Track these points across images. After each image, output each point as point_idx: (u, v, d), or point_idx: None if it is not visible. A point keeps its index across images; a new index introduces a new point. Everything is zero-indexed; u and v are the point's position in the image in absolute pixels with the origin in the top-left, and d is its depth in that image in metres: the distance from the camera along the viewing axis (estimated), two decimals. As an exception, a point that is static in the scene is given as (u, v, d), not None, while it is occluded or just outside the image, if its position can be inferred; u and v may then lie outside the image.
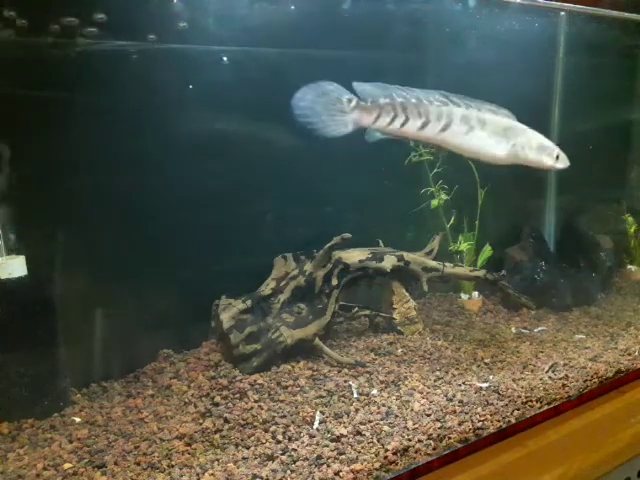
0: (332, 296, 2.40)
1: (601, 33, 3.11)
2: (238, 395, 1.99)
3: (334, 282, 2.42)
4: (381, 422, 1.82)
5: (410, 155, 2.72)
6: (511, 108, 2.02)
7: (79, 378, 2.10)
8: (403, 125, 1.75)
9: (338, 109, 1.68)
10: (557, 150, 1.86)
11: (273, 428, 1.79)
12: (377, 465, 1.63)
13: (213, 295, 2.32)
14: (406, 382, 2.08)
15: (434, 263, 2.62)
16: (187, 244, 2.29)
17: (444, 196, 2.81)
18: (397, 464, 1.66)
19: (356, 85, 1.72)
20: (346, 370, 2.19)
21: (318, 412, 1.87)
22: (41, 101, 1.94)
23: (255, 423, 1.83)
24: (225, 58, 2.27)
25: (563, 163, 1.88)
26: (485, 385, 2.06)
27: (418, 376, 2.13)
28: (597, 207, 3.60)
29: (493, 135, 1.81)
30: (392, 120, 1.74)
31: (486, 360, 2.29)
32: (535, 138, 1.85)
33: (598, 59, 3.30)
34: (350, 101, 1.69)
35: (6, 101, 1.86)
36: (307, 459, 1.63)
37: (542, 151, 1.84)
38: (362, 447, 1.69)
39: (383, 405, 1.93)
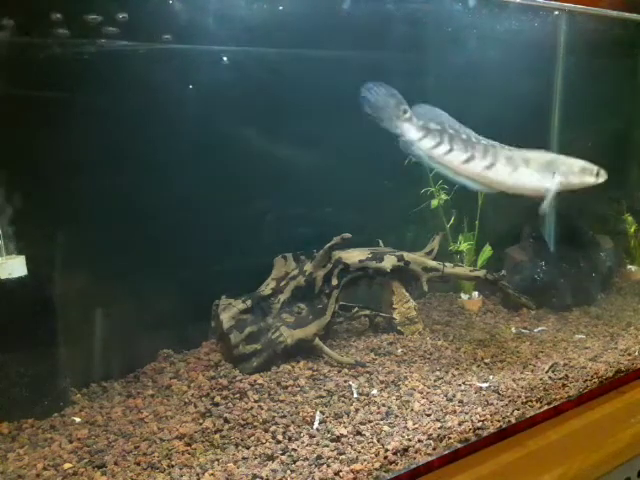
0: (332, 296, 2.40)
1: (601, 33, 3.11)
2: (238, 395, 1.99)
3: (334, 282, 2.42)
4: (381, 422, 1.82)
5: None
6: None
7: (79, 378, 2.10)
8: (447, 154, 1.87)
9: (394, 113, 1.85)
10: (596, 168, 2.00)
11: (273, 428, 1.79)
12: (377, 465, 1.63)
13: (213, 295, 2.32)
14: (406, 382, 2.09)
15: (434, 263, 2.62)
16: (187, 244, 2.29)
17: (444, 196, 2.81)
18: (397, 464, 1.66)
19: (416, 106, 1.88)
20: (346, 370, 2.19)
21: (318, 412, 1.87)
22: (40, 101, 1.94)
23: (255, 423, 1.83)
24: (213, 57, 2.27)
25: (603, 177, 2.02)
26: (485, 385, 2.06)
27: (418, 376, 2.13)
28: (597, 207, 3.60)
29: (538, 171, 1.93)
30: (437, 145, 1.86)
31: (486, 360, 2.29)
32: (575, 164, 1.98)
33: (598, 59, 3.30)
34: (405, 112, 1.85)
35: (5, 101, 1.86)
36: (307, 459, 1.63)
37: (584, 173, 1.97)
38: (362, 447, 1.69)
39: (383, 405, 1.93)
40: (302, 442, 1.72)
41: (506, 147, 1.95)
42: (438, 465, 1.74)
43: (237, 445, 1.74)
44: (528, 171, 1.94)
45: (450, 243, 2.92)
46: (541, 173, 1.95)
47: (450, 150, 1.88)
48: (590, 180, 2.00)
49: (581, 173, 1.98)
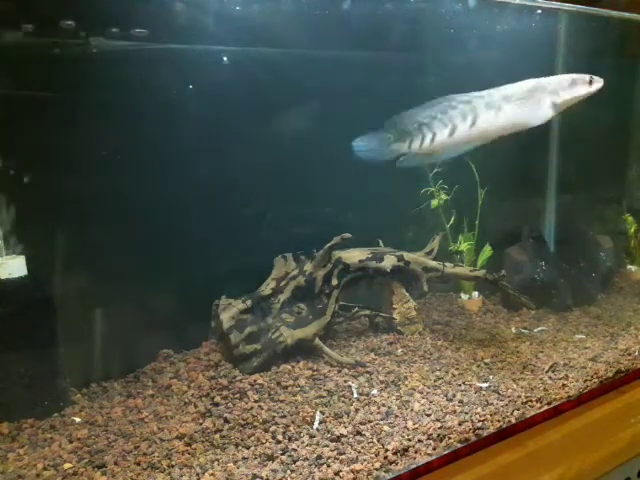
0: (332, 296, 2.40)
1: (601, 33, 3.12)
2: (238, 395, 1.99)
3: (334, 282, 2.42)
4: (381, 422, 1.82)
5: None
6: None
7: (79, 378, 2.09)
8: (433, 139, 1.94)
9: (382, 145, 2.03)
10: (588, 76, 1.92)
11: (273, 428, 1.79)
12: (377, 465, 1.63)
13: (213, 295, 2.32)
14: (406, 382, 2.08)
15: (434, 263, 2.62)
16: (187, 244, 2.29)
17: (444, 196, 2.81)
18: (397, 464, 1.66)
19: (386, 124, 2.02)
20: (346, 370, 2.19)
21: (318, 412, 1.87)
22: (40, 101, 1.94)
23: (255, 423, 1.83)
24: (213, 57, 2.27)
25: (598, 83, 1.94)
26: (485, 385, 2.06)
27: (418, 376, 2.13)
28: (597, 207, 3.60)
29: (523, 102, 1.88)
30: (422, 140, 1.95)
31: (486, 360, 2.29)
32: (563, 78, 1.91)
33: (597, 58, 3.30)
34: (389, 138, 2.01)
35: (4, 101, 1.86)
36: (307, 459, 1.63)
37: (575, 85, 1.90)
38: (362, 447, 1.69)
39: (383, 405, 1.93)
40: (302, 442, 1.72)
41: (482, 93, 1.91)
42: (438, 465, 1.74)
43: (237, 445, 1.74)
44: (512, 106, 1.89)
45: (450, 243, 2.92)
46: (528, 102, 1.89)
47: (434, 135, 1.93)
48: (583, 90, 1.92)
49: (572, 85, 1.90)
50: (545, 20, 3.00)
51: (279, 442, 1.73)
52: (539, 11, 2.87)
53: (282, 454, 1.66)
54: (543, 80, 1.94)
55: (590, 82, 1.92)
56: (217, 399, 1.96)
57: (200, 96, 2.25)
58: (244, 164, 2.34)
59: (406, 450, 1.70)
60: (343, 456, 1.64)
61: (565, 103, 1.94)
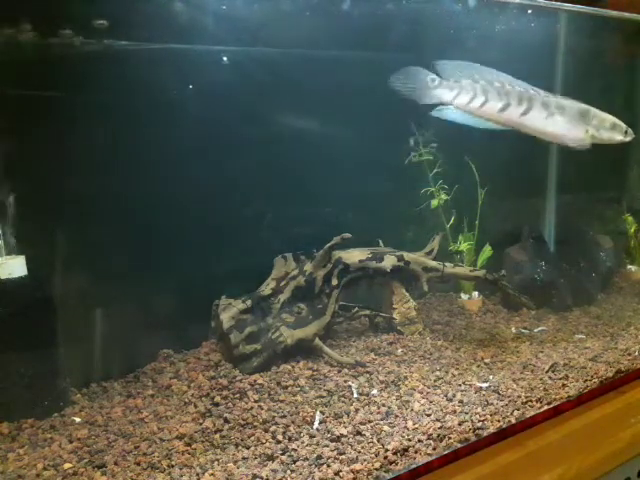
0: (332, 296, 2.40)
1: (601, 33, 3.12)
2: (238, 395, 1.99)
3: (334, 282, 2.42)
4: (381, 422, 1.82)
5: (410, 155, 2.73)
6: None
7: (79, 378, 2.09)
8: (483, 105, 1.92)
9: (425, 86, 1.93)
10: (624, 126, 2.04)
11: (273, 428, 1.79)
12: (377, 465, 1.63)
13: (213, 295, 2.32)
14: (406, 382, 2.08)
15: (434, 263, 2.62)
16: (187, 244, 2.29)
17: (444, 196, 2.81)
18: (397, 464, 1.66)
19: (438, 63, 1.94)
20: (346, 370, 2.19)
21: (318, 412, 1.87)
22: (39, 101, 1.94)
23: (255, 423, 1.83)
24: (213, 57, 2.27)
25: (631, 136, 2.06)
26: (485, 385, 2.06)
27: (418, 376, 2.13)
28: (597, 207, 3.60)
29: (571, 120, 1.95)
30: (471, 100, 1.91)
31: (486, 360, 2.29)
32: (607, 119, 2.01)
33: (598, 59, 3.30)
34: (433, 80, 1.92)
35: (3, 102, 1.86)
36: (307, 459, 1.63)
37: (614, 130, 2.01)
38: (362, 447, 1.69)
39: (383, 405, 1.93)
40: (302, 442, 1.72)
41: (542, 92, 1.95)
42: (438, 465, 1.74)
43: (237, 445, 1.74)
44: (562, 119, 1.96)
45: (450, 243, 2.92)
46: (574, 122, 1.96)
47: (485, 101, 1.91)
48: (619, 137, 2.03)
49: (612, 129, 2.00)
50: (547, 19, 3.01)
51: (279, 442, 1.73)
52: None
53: (282, 454, 1.66)
54: (592, 110, 2.03)
55: (626, 132, 2.04)
56: (217, 399, 1.96)
57: (200, 96, 2.25)
58: (244, 164, 2.34)
59: (406, 450, 1.70)
60: (343, 456, 1.64)
61: (600, 140, 2.04)
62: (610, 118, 2.05)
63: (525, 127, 1.96)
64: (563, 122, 1.96)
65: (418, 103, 1.96)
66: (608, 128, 2.01)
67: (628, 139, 2.07)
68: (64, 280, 2.05)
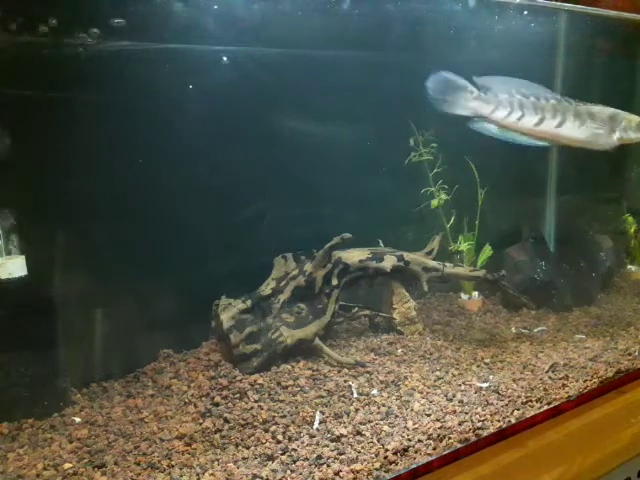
0: (332, 296, 2.40)
1: (600, 33, 3.12)
2: (238, 395, 1.99)
3: (334, 282, 2.42)
4: (381, 422, 1.82)
5: (410, 155, 2.73)
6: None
7: (79, 378, 2.09)
8: (519, 119, 1.95)
9: (462, 97, 1.93)
10: None
11: (273, 428, 1.79)
12: (377, 465, 1.63)
13: (213, 295, 2.32)
14: (406, 382, 2.09)
15: (434, 263, 2.62)
16: (187, 244, 2.29)
17: (444, 196, 2.81)
18: (397, 464, 1.66)
19: (478, 79, 1.94)
20: (346, 370, 2.19)
21: (318, 412, 1.87)
22: (39, 101, 1.94)
23: (255, 423, 1.83)
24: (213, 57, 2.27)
25: None
26: (485, 385, 2.06)
27: (418, 376, 2.13)
28: (597, 207, 3.60)
29: (602, 125, 2.00)
30: (509, 114, 1.94)
31: (486, 360, 2.29)
32: (634, 119, 2.05)
33: (598, 59, 3.30)
34: (472, 92, 1.93)
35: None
36: (307, 459, 1.63)
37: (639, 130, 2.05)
38: (362, 447, 1.69)
39: (383, 405, 1.93)
40: (302, 442, 1.72)
41: (572, 102, 1.98)
42: (438, 465, 1.74)
43: (237, 445, 1.74)
44: (594, 125, 2.00)
45: (450, 243, 2.92)
46: (605, 127, 2.00)
47: (522, 116, 1.94)
48: None
49: (638, 130, 2.04)
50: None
51: (279, 442, 1.73)
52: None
53: (282, 454, 1.66)
54: (620, 113, 2.06)
55: None
56: (217, 399, 1.96)
57: (200, 96, 2.25)
58: (244, 164, 2.34)
59: (406, 450, 1.70)
60: (343, 456, 1.64)
61: (629, 141, 2.08)
62: (636, 119, 2.08)
63: (560, 138, 2.00)
64: (595, 128, 2.00)
65: (449, 113, 1.98)
66: (634, 128, 2.05)
67: None
68: (64, 280, 2.05)
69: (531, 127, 1.97)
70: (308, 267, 2.41)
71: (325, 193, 2.60)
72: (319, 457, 1.63)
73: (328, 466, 1.60)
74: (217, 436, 1.77)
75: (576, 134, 2.00)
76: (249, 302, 2.27)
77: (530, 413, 1.98)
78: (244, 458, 1.66)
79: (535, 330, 2.68)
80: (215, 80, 2.27)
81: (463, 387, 2.06)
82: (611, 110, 2.07)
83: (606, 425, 2.03)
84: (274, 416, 1.85)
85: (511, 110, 1.95)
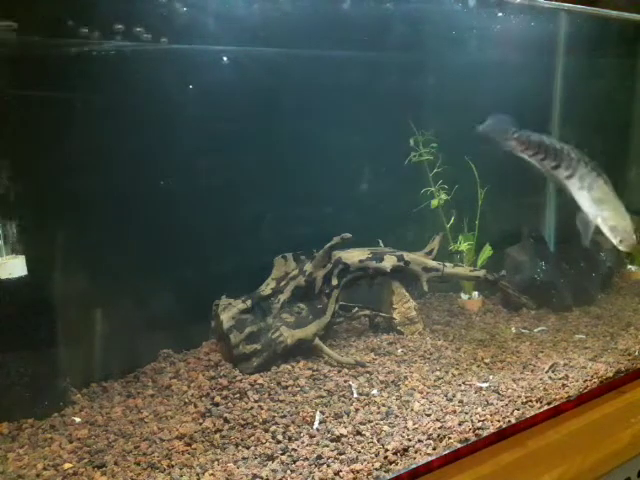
0: (332, 296, 2.40)
1: (600, 33, 3.12)
2: (238, 395, 1.99)
3: (334, 282, 2.42)
4: (381, 422, 1.82)
5: (410, 155, 2.73)
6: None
7: (79, 378, 2.09)
8: (542, 160, 2.15)
9: (504, 136, 2.17)
10: (621, 236, 2.11)
11: (273, 428, 1.79)
12: (377, 465, 1.63)
13: (213, 295, 2.32)
14: (406, 382, 2.09)
15: (434, 263, 2.62)
16: (187, 244, 2.29)
17: (444, 196, 2.81)
18: (397, 464, 1.66)
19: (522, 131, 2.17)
20: (346, 370, 2.19)
21: (318, 412, 1.87)
22: (39, 102, 1.94)
23: (255, 423, 1.83)
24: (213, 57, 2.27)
25: (623, 247, 2.13)
26: (485, 385, 2.06)
27: (418, 376, 2.13)
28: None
29: (591, 200, 2.11)
30: (534, 154, 2.16)
31: (486, 360, 2.29)
32: (612, 219, 2.10)
33: (598, 59, 3.30)
34: (513, 132, 2.16)
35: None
36: (307, 459, 1.63)
37: (611, 231, 2.11)
38: (362, 447, 1.69)
39: (383, 405, 1.93)
40: (302, 442, 1.72)
41: (588, 166, 2.09)
42: (438, 465, 1.74)
43: (237, 445, 1.74)
44: (587, 195, 2.10)
45: (450, 243, 2.92)
46: (591, 204, 2.09)
47: (544, 158, 2.13)
48: (613, 241, 2.12)
49: (610, 230, 2.09)
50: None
51: (279, 442, 1.73)
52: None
53: (282, 454, 1.66)
54: (609, 203, 2.11)
55: (620, 242, 2.11)
56: (217, 399, 1.96)
57: (201, 96, 2.25)
58: (245, 164, 2.34)
59: (406, 450, 1.70)
60: (343, 456, 1.64)
61: (600, 228, 2.13)
62: (615, 219, 2.10)
63: (567, 188, 2.13)
64: (585, 200, 2.10)
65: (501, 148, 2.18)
66: (608, 227, 2.10)
67: (621, 248, 2.13)
68: (64, 280, 2.05)
69: (549, 169, 2.12)
70: (308, 267, 2.41)
71: (325, 193, 2.60)
72: (319, 457, 1.64)
73: (328, 466, 1.60)
74: (217, 436, 1.77)
75: (574, 193, 2.10)
76: (249, 302, 2.28)
77: (530, 413, 1.98)
78: (244, 458, 1.66)
79: (535, 330, 2.68)
80: (215, 80, 2.26)
81: (463, 387, 2.06)
82: (604, 196, 2.10)
83: (606, 425, 2.03)
84: (274, 416, 1.85)
85: (537, 152, 2.13)
